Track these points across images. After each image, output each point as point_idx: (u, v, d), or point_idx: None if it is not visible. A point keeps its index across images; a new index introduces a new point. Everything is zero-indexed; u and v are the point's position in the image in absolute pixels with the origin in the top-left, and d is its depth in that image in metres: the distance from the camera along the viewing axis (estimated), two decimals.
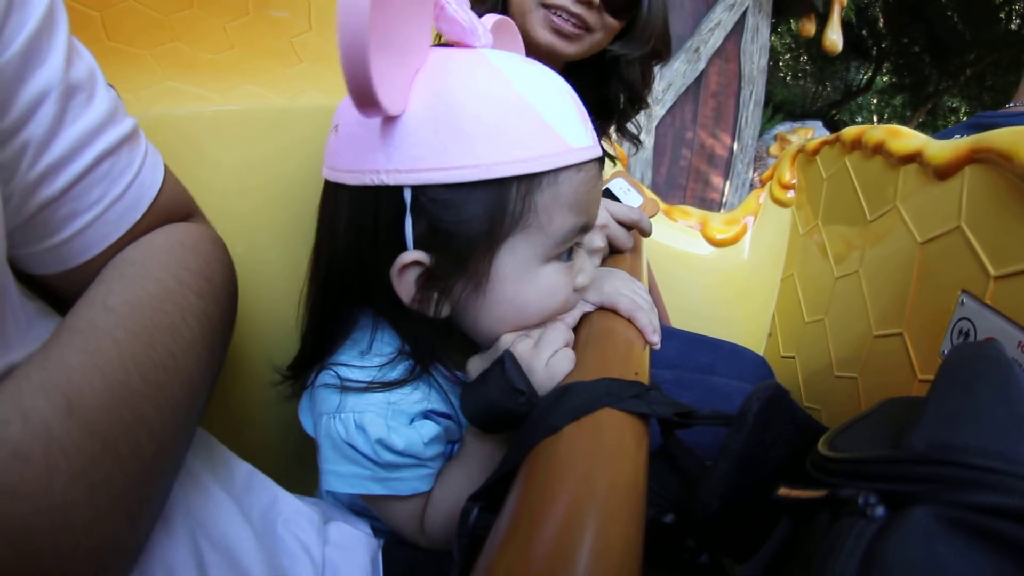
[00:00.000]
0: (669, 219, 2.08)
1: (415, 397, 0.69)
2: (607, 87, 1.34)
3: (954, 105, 9.28)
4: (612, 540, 0.41)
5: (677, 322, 1.85)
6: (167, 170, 0.65)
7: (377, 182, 0.60)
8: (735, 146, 4.96)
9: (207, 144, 0.89)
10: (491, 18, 0.74)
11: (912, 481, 0.38)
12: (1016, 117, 1.54)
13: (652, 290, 1.82)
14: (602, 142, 1.38)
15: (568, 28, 1.13)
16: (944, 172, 1.08)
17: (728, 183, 5.00)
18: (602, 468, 0.46)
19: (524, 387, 0.60)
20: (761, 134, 5.14)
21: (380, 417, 0.66)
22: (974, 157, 1.00)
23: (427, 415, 0.71)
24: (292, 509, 0.71)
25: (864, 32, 8.01)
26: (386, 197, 0.61)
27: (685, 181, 4.94)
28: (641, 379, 0.59)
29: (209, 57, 0.95)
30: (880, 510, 0.36)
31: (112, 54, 0.87)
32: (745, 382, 1.37)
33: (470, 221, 0.60)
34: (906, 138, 1.28)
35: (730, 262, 2.03)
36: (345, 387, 0.67)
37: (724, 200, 5.07)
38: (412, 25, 0.56)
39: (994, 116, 1.64)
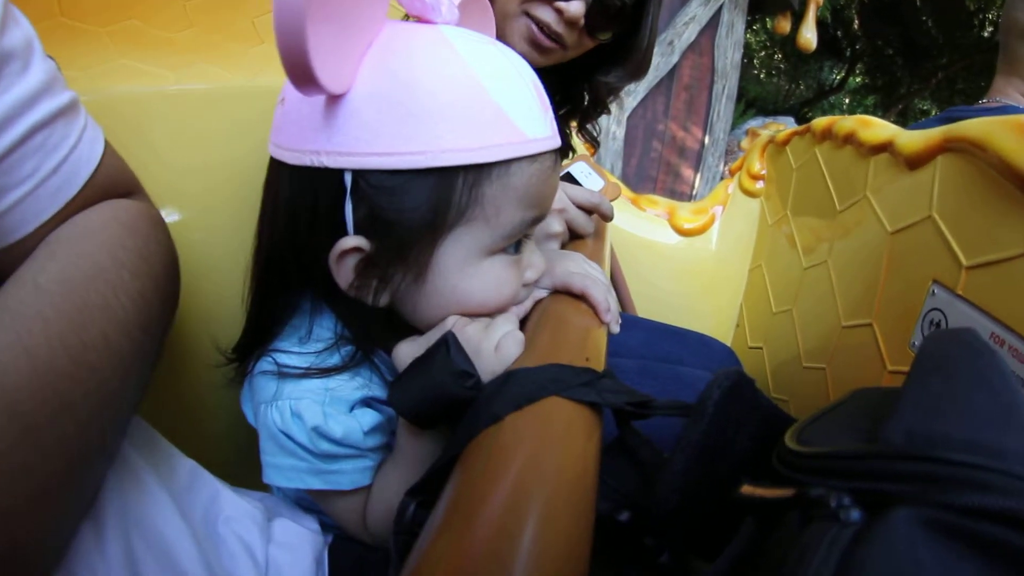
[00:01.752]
0: (636, 208, 2.04)
1: (355, 384, 0.66)
2: (575, 87, 1.31)
3: (925, 107, 9.42)
4: (554, 537, 0.37)
5: (643, 312, 1.82)
6: (107, 146, 0.63)
7: (317, 163, 0.56)
8: (706, 139, 4.97)
9: (161, 123, 0.89)
10: None
11: (890, 479, 0.34)
12: (988, 112, 1.53)
13: (617, 279, 1.80)
14: (564, 134, 1.37)
15: (546, 43, 1.09)
16: (916, 161, 1.06)
17: (699, 176, 5.01)
18: (546, 460, 0.42)
19: (472, 370, 0.55)
20: (732, 128, 5.16)
21: (317, 404, 0.63)
22: (947, 146, 0.98)
23: (368, 403, 0.67)
24: (234, 507, 0.68)
25: (839, 32, 8.11)
26: (326, 180, 0.57)
27: (656, 173, 4.94)
28: (593, 365, 0.55)
29: (167, 35, 0.93)
30: (855, 513, 0.32)
31: (65, 30, 0.85)
32: (712, 372, 1.32)
33: (412, 210, 0.57)
34: (877, 128, 1.26)
35: (698, 252, 2.00)
36: (282, 374, 0.64)
37: (694, 193, 5.08)
38: (357, 3, 0.52)
39: (966, 111, 1.64)
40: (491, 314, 0.65)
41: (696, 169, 5.02)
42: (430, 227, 0.58)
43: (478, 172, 0.57)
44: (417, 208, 0.57)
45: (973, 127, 0.90)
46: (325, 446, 0.63)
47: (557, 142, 0.63)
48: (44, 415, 0.43)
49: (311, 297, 0.69)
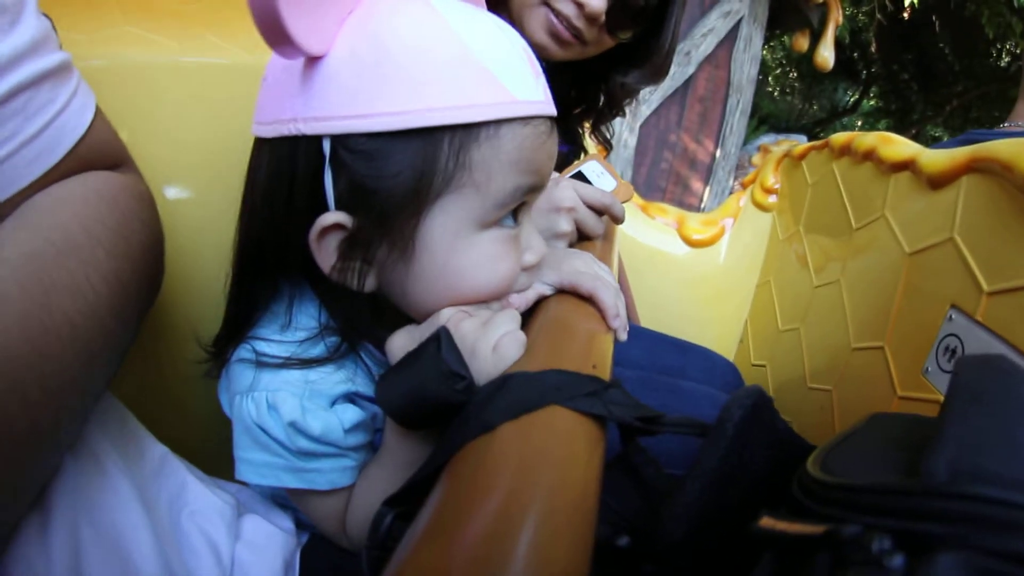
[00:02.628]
0: (646, 215, 2.00)
1: (337, 377, 0.62)
2: (591, 85, 1.31)
3: (937, 134, 9.42)
4: (548, 563, 0.32)
5: (647, 322, 1.78)
6: (98, 114, 0.60)
7: (294, 132, 0.53)
8: (718, 153, 4.95)
9: (163, 95, 0.85)
10: None
11: (933, 519, 0.30)
12: (1011, 135, 1.51)
13: (622, 286, 1.75)
14: (577, 134, 1.39)
15: (566, 34, 1.08)
16: (939, 181, 1.04)
17: (708, 189, 4.98)
18: (543, 476, 0.38)
19: (463, 371, 0.50)
20: (745, 143, 5.13)
21: (295, 397, 0.59)
22: (973, 166, 0.95)
23: (352, 399, 0.63)
24: (202, 500, 0.65)
25: (855, 55, 8.10)
26: (304, 150, 0.54)
27: (665, 184, 4.92)
28: (600, 373, 0.50)
29: (176, 6, 0.90)
30: (899, 559, 0.28)
31: None
32: (714, 388, 1.31)
33: (395, 176, 0.53)
34: (899, 145, 1.23)
35: (705, 264, 1.97)
36: (260, 363, 0.60)
37: (703, 206, 5.05)
38: None
39: (986, 134, 1.61)
40: (487, 300, 0.61)
41: (706, 182, 5.00)
42: (414, 195, 0.54)
43: (465, 133, 0.53)
44: (400, 174, 0.53)
45: (1003, 147, 0.87)
46: (302, 443, 0.59)
47: (552, 109, 0.60)
48: None
49: (292, 283, 0.65)
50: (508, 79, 0.54)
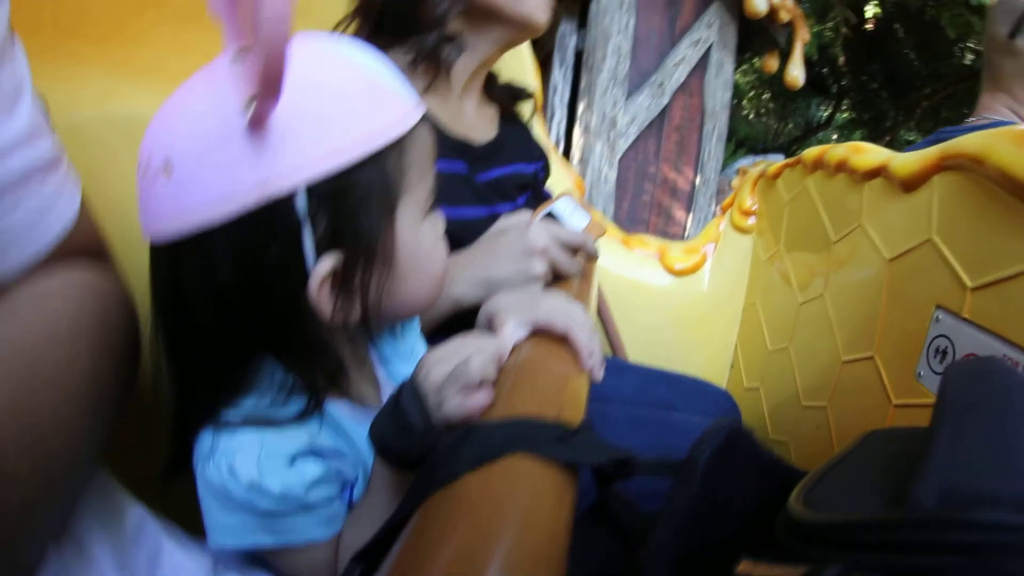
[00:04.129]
0: (626, 249, 1.99)
1: (297, 433, 0.61)
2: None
3: (911, 138, 9.50)
4: None
5: (636, 356, 1.76)
6: (82, 206, 0.62)
7: (265, 195, 0.53)
8: (698, 180, 4.97)
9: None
10: None
11: (927, 551, 0.28)
12: (978, 129, 1.52)
13: (607, 322, 1.74)
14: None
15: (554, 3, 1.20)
16: (911, 184, 1.03)
17: (690, 217, 5.00)
18: (505, 527, 0.36)
19: (419, 424, 0.51)
20: (723, 168, 5.16)
21: (252, 458, 0.58)
22: (943, 165, 0.95)
23: (312, 453, 0.62)
24: (178, 562, 0.64)
25: (825, 70, 8.22)
26: (275, 210, 0.54)
27: (647, 215, 4.93)
28: (570, 417, 0.49)
29: (157, 61, 0.92)
30: None
31: (55, 46, 0.85)
32: (707, 417, 1.29)
33: (364, 201, 0.58)
34: (869, 153, 1.23)
35: (690, 292, 1.96)
36: (219, 426, 0.60)
37: (686, 234, 5.05)
38: None
39: (955, 130, 1.63)
40: (444, 278, 0.72)
41: (688, 210, 5.02)
42: (385, 210, 0.61)
43: (399, 145, 0.61)
44: (367, 198, 0.58)
45: (970, 142, 0.88)
46: (265, 503, 0.58)
47: (423, 105, 0.67)
48: None
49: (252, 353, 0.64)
50: (401, 92, 0.64)
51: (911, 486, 0.30)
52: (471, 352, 0.58)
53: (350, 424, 0.67)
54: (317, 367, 0.63)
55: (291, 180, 0.53)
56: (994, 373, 0.39)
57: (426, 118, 0.67)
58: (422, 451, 0.48)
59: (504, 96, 1.38)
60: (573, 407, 0.53)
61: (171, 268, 0.58)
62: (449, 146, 1.16)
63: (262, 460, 0.58)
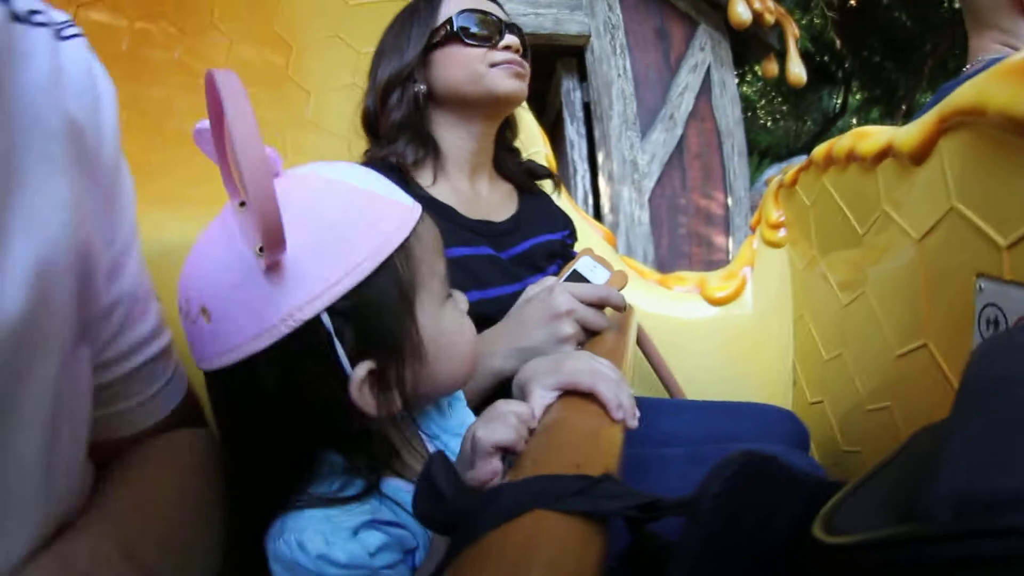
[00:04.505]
0: (665, 288, 1.97)
1: (359, 510, 0.67)
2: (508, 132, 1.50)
3: (926, 100, 9.36)
4: None
5: (693, 393, 1.71)
6: (188, 382, 0.76)
7: (293, 325, 0.61)
8: (729, 201, 4.93)
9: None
10: None
11: (943, 567, 0.25)
12: (975, 75, 1.48)
13: (658, 366, 1.71)
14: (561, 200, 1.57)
15: (520, 70, 1.26)
16: (919, 155, 1.00)
17: (731, 240, 4.94)
18: None
19: (448, 491, 0.52)
20: (753, 183, 5.12)
21: (319, 533, 0.63)
22: (944, 127, 0.92)
23: (373, 524, 0.66)
24: None
25: (825, 58, 8.16)
26: (307, 335, 0.62)
27: (688, 248, 4.89)
28: (595, 469, 0.49)
29: (188, 191, 1.02)
30: None
31: None
32: (772, 442, 1.25)
33: (381, 307, 0.65)
34: (873, 135, 1.20)
35: (736, 318, 1.91)
36: (287, 507, 0.67)
37: (730, 258, 5.00)
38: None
39: (955, 83, 1.57)
40: (473, 356, 0.78)
41: (727, 233, 4.97)
42: (404, 309, 0.67)
43: (404, 248, 0.67)
44: (384, 304, 0.65)
45: (963, 94, 0.85)
46: (333, 572, 0.62)
47: (418, 204, 0.74)
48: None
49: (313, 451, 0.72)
50: (396, 196, 0.71)
51: (921, 497, 0.28)
52: (494, 419, 0.62)
53: (405, 498, 0.70)
54: (370, 453, 0.69)
55: (313, 308, 0.61)
56: (1017, 346, 0.35)
57: (425, 214, 0.73)
58: (455, 516, 0.49)
59: (517, 172, 1.46)
60: (598, 458, 0.53)
61: (225, 390, 0.68)
62: (470, 230, 1.22)
63: (328, 534, 0.63)
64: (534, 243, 1.32)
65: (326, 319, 0.62)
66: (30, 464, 0.49)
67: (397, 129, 1.26)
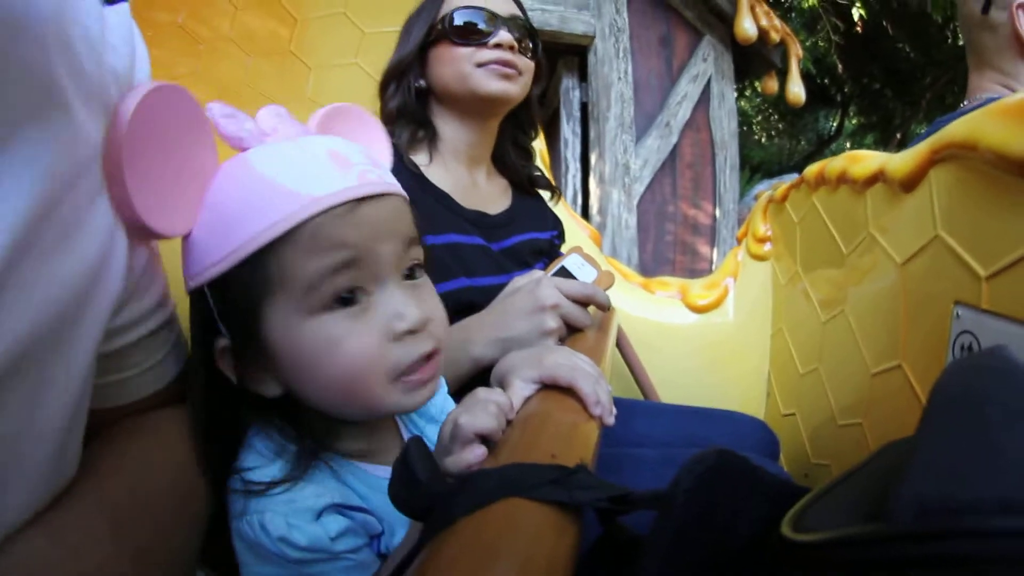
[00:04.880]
0: (648, 292, 2.00)
1: (309, 491, 0.67)
2: (521, 134, 1.49)
3: (921, 131, 9.45)
4: None
5: (669, 397, 1.73)
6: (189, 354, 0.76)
7: (189, 289, 0.68)
8: (717, 213, 4.95)
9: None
10: (318, 114, 0.77)
11: (905, 566, 0.27)
12: (971, 111, 1.51)
13: (635, 368, 1.73)
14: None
15: (507, 70, 1.24)
16: (910, 183, 1.03)
17: (715, 251, 4.97)
18: (501, 567, 0.37)
19: (424, 477, 0.52)
20: (742, 197, 5.14)
21: (280, 515, 0.64)
22: (936, 158, 0.94)
23: (338, 509, 0.67)
24: None
25: (826, 80, 8.21)
26: (198, 300, 0.68)
27: (672, 255, 4.91)
28: (568, 460, 0.50)
29: None
30: None
31: None
32: (744, 449, 1.25)
33: (240, 296, 0.65)
34: (866, 160, 1.23)
35: (716, 327, 1.94)
36: (248, 491, 0.67)
37: (714, 268, 5.02)
38: (187, 159, 0.64)
39: (949, 118, 1.59)
40: (357, 378, 0.66)
41: (712, 244, 4.99)
42: (250, 306, 0.64)
43: (279, 244, 0.62)
44: (240, 295, 0.64)
45: (957, 128, 0.87)
46: (294, 554, 0.63)
47: (355, 189, 0.65)
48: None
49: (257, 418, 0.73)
50: (302, 185, 0.63)
51: (888, 500, 0.29)
52: (475, 407, 0.62)
53: (373, 481, 0.72)
54: (302, 431, 0.71)
55: (197, 281, 0.65)
56: (988, 368, 0.37)
57: (344, 207, 0.64)
58: (430, 501, 0.49)
59: (519, 173, 1.47)
60: (573, 450, 0.54)
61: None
62: (465, 219, 1.24)
63: (289, 516, 0.64)
64: (524, 239, 1.34)
65: (208, 292, 0.66)
66: (49, 437, 0.49)
67: (395, 115, 1.28)
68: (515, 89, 1.27)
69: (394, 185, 0.71)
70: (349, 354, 0.64)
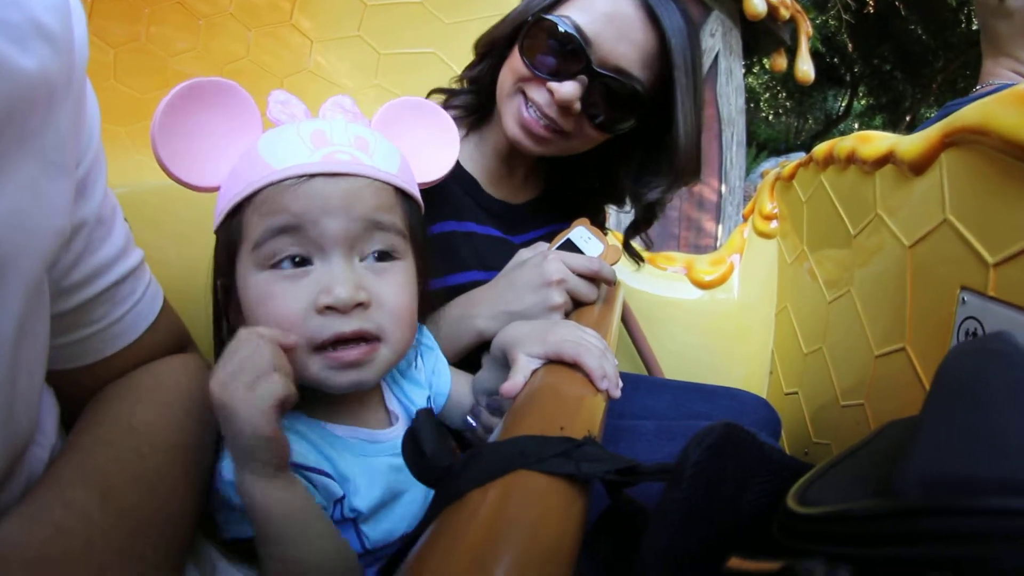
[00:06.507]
0: (654, 267, 1.99)
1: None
2: (615, 180, 1.30)
3: (931, 115, 9.38)
4: None
5: (672, 372, 1.74)
6: (165, 303, 0.74)
7: (214, 230, 0.77)
8: (723, 189, 4.94)
9: (171, 215, 1.03)
10: (386, 106, 0.86)
11: (907, 542, 0.27)
12: (983, 97, 1.49)
13: (640, 343, 1.73)
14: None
15: (537, 128, 1.08)
16: (920, 165, 1.01)
17: (720, 227, 4.96)
18: (510, 538, 0.38)
19: (431, 448, 0.52)
20: (748, 174, 5.13)
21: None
22: (947, 142, 0.93)
23: (296, 469, 0.66)
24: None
25: (836, 60, 8.13)
26: (217, 234, 0.77)
27: (678, 230, 4.91)
28: (576, 433, 0.50)
29: None
30: None
31: None
32: (745, 426, 1.25)
33: (223, 245, 0.74)
34: (876, 141, 1.21)
35: (721, 303, 1.94)
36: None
37: (718, 245, 5.01)
38: (222, 127, 0.76)
39: (961, 102, 1.58)
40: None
41: (717, 221, 4.99)
42: (230, 254, 0.73)
43: (248, 204, 0.71)
44: (224, 242, 0.74)
45: (969, 113, 0.86)
46: (239, 501, 0.65)
47: (311, 166, 0.70)
48: (149, 518, 0.56)
49: None
50: (273, 158, 0.71)
51: (894, 476, 0.30)
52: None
53: (346, 444, 0.73)
54: None
55: (215, 224, 0.76)
56: (991, 352, 0.37)
57: (285, 184, 0.70)
58: (438, 472, 0.49)
59: (562, 194, 1.36)
60: (581, 423, 0.54)
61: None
62: (485, 209, 1.20)
63: None
64: (545, 232, 1.30)
65: (223, 232, 0.74)
66: None
67: (469, 83, 1.23)
68: (537, 149, 1.12)
69: (370, 170, 0.73)
70: (273, 311, 0.69)
